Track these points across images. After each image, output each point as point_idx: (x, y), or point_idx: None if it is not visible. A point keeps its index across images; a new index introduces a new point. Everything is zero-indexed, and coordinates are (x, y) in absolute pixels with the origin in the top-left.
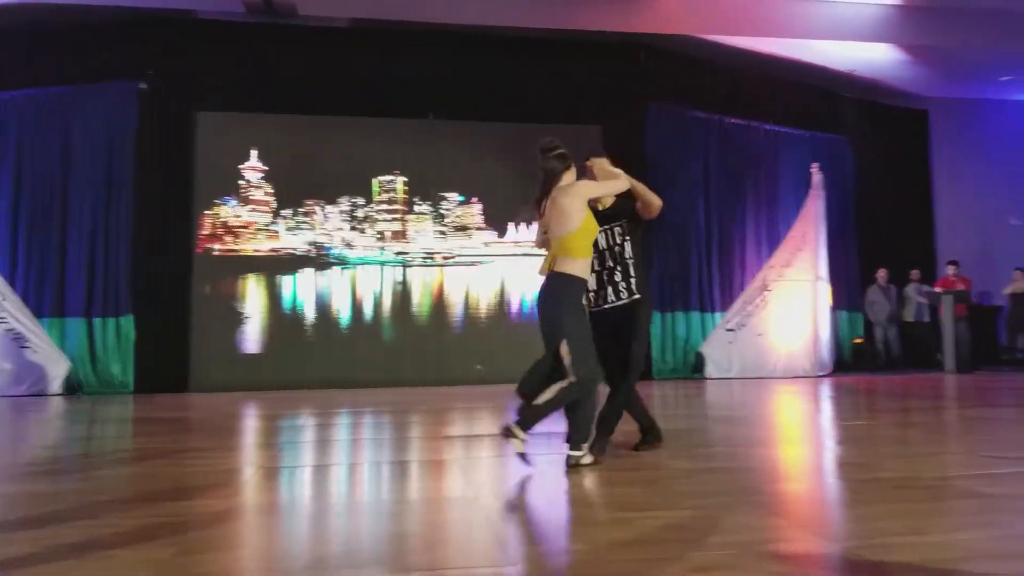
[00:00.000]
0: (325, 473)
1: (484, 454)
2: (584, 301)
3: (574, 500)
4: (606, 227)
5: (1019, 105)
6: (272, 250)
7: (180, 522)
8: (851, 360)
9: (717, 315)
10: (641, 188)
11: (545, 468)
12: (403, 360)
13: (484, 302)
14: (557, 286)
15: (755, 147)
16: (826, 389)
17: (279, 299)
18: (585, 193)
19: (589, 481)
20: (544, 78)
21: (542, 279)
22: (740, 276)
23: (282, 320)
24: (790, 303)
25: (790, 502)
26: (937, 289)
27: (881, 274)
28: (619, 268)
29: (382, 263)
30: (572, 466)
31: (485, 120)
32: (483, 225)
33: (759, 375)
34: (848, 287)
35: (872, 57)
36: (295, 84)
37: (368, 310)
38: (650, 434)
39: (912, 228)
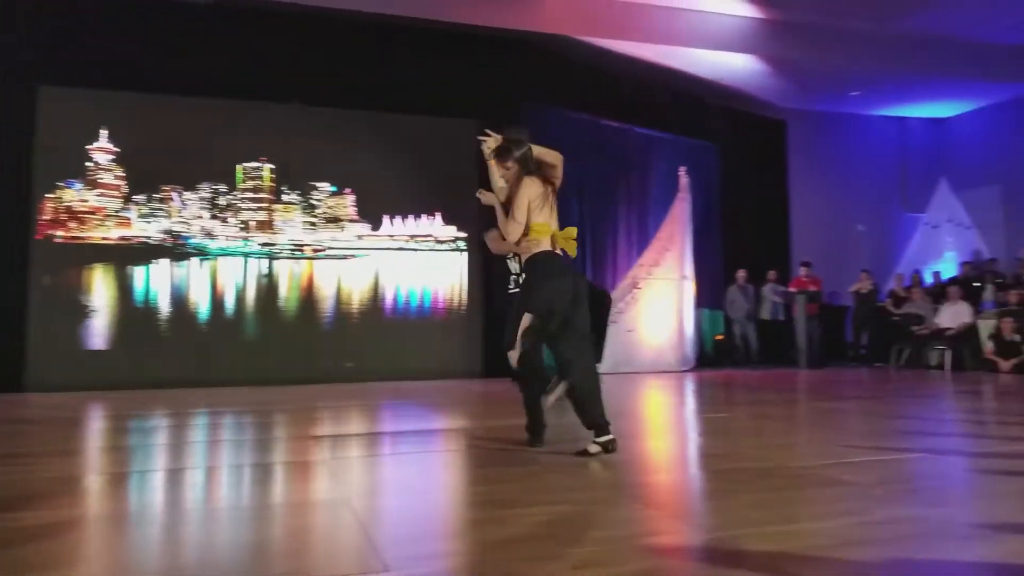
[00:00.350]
0: (179, 478)
1: (354, 454)
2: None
3: (449, 499)
4: None
5: (867, 119)
6: (122, 238)
7: (2, 539)
8: (713, 355)
9: None
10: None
11: (418, 468)
12: (268, 357)
13: (356, 297)
14: None
15: (627, 149)
16: (690, 383)
17: (130, 291)
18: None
19: (464, 478)
20: (421, 69)
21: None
22: (612, 274)
23: (133, 314)
24: (658, 301)
25: (662, 494)
26: (791, 289)
27: (741, 274)
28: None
29: (246, 254)
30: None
31: (360, 109)
32: (356, 217)
33: (628, 370)
34: (711, 286)
35: (738, 67)
36: (153, 60)
37: (230, 304)
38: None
39: (770, 231)
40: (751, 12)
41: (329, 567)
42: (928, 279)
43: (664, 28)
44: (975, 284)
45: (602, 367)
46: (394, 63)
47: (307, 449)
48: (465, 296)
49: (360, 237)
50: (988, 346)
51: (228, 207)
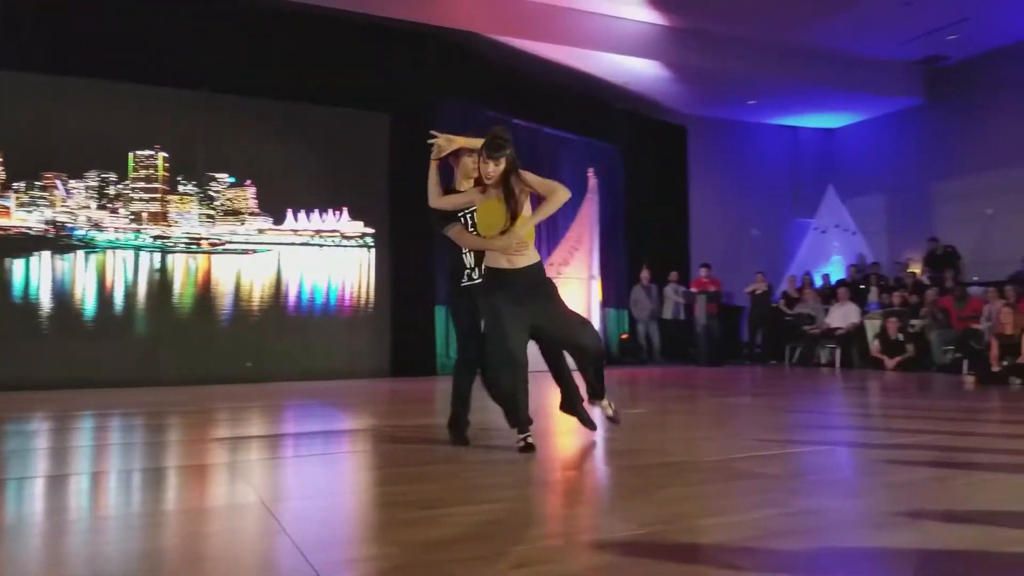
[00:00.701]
0: (62, 484)
1: (258, 457)
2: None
3: (372, 500)
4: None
5: (763, 127)
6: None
7: None
8: (618, 354)
9: None
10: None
11: (327, 469)
12: (161, 356)
13: (257, 294)
14: None
15: (537, 150)
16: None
17: (8, 285)
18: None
19: (380, 478)
20: (331, 60)
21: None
22: None
23: (12, 310)
24: (567, 300)
25: (588, 490)
26: (692, 289)
27: (644, 274)
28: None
29: (137, 247)
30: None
31: (264, 97)
32: (257, 210)
33: (541, 368)
34: (616, 286)
35: (642, 72)
36: (36, 36)
37: (119, 300)
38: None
39: (671, 233)
40: (655, 18)
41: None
42: (818, 281)
43: (571, 30)
44: (861, 286)
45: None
46: (303, 52)
47: (205, 452)
48: (372, 293)
49: (261, 231)
50: (874, 345)
51: (118, 197)
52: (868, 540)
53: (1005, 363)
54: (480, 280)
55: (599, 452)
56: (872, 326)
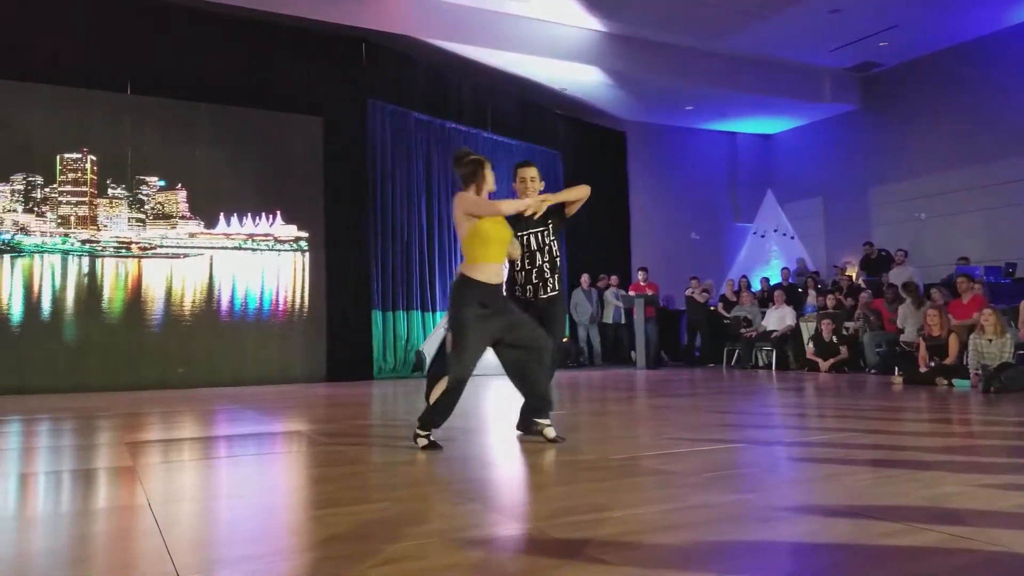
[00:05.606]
0: None
1: (160, 460)
2: (519, 292)
3: (265, 502)
4: (535, 230)
5: (701, 133)
6: None
7: None
8: (559, 358)
9: (437, 314)
10: (563, 196)
11: (240, 471)
12: (89, 362)
13: (188, 298)
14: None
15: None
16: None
17: None
18: (462, 207)
19: (288, 480)
20: (264, 62)
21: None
22: None
23: None
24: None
25: (487, 488)
26: (631, 293)
27: (584, 278)
28: (547, 264)
29: (65, 252)
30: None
31: (195, 100)
32: (188, 214)
33: (476, 372)
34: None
35: (581, 78)
36: None
37: (47, 305)
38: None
39: (611, 237)
40: (593, 24)
41: (113, 574)
42: (756, 284)
43: (507, 35)
44: (798, 289)
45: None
46: (235, 55)
47: (111, 455)
48: (307, 297)
49: (193, 235)
50: (809, 347)
51: (45, 200)
52: (749, 534)
53: (932, 364)
54: (530, 296)
55: (513, 453)
56: (807, 328)
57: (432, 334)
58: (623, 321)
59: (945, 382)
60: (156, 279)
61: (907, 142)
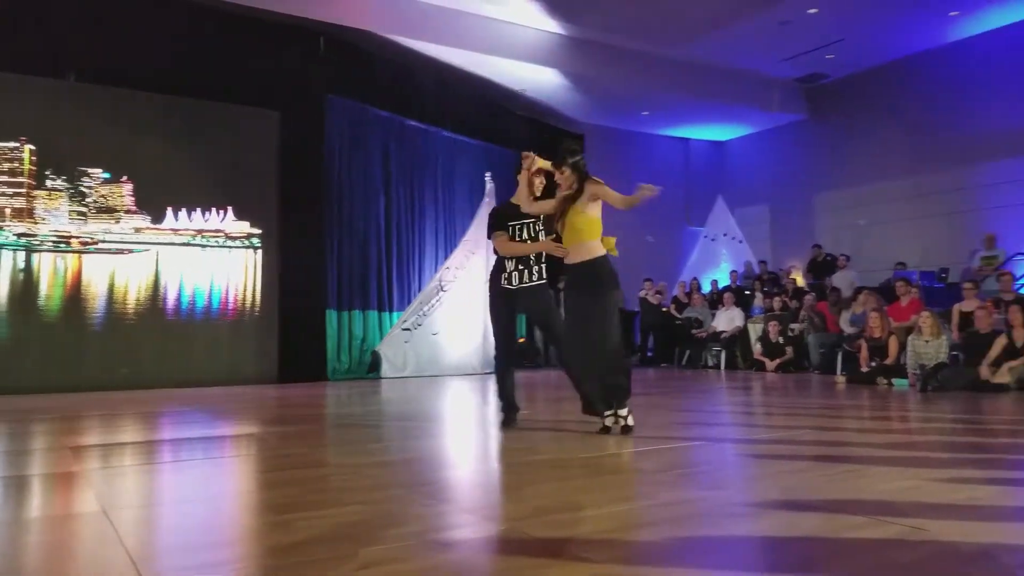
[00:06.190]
0: None
1: (124, 463)
2: (506, 281)
3: (226, 507)
4: (526, 221)
5: (656, 138)
6: None
7: None
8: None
9: (395, 314)
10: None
11: (195, 475)
12: (24, 362)
13: (133, 296)
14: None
15: (434, 152)
16: (492, 384)
17: None
18: (602, 193)
19: (246, 484)
20: (220, 53)
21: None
22: (418, 276)
23: None
24: (463, 304)
25: (457, 489)
26: None
27: None
28: (534, 255)
29: None
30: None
31: (144, 90)
32: (134, 208)
33: (433, 373)
34: None
35: (541, 80)
36: None
37: None
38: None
39: None
40: (553, 27)
41: None
42: (707, 287)
43: (468, 34)
44: (746, 292)
45: (406, 370)
46: (188, 44)
47: (55, 460)
48: (259, 296)
49: (138, 230)
50: (757, 348)
51: None
52: (722, 529)
53: (873, 364)
54: (525, 284)
55: (479, 453)
56: (755, 330)
57: (389, 334)
58: None
59: (885, 381)
60: (98, 276)
61: (850, 152)
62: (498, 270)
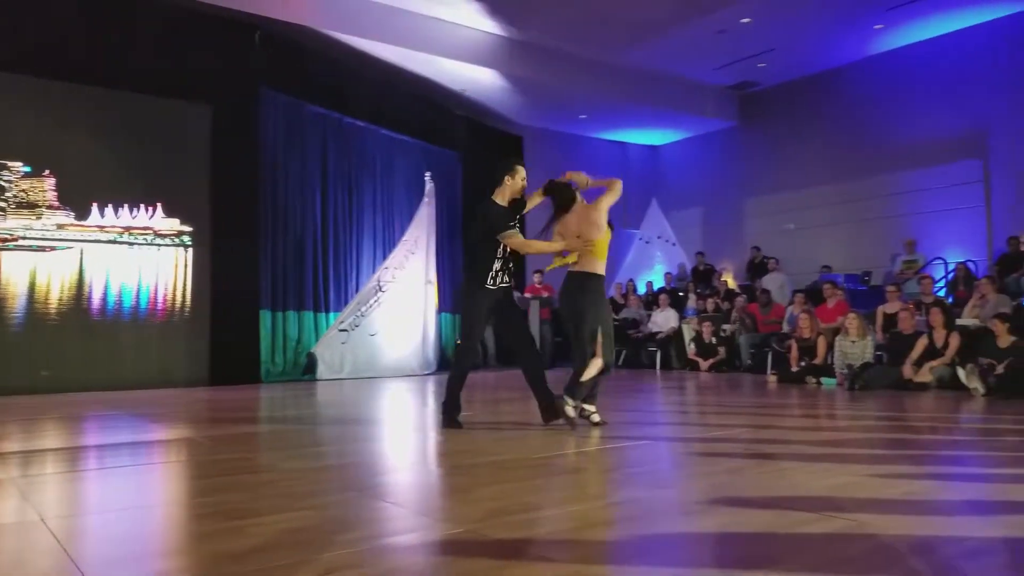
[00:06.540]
0: None
1: (49, 471)
2: (491, 281)
3: (173, 513)
4: (518, 221)
5: (594, 141)
6: None
7: None
8: (453, 359)
9: (332, 315)
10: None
11: (130, 482)
12: None
13: (55, 295)
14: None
15: (372, 150)
16: (431, 386)
17: None
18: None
19: (187, 490)
20: (149, 44)
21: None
22: (355, 276)
23: None
24: (402, 305)
25: (407, 492)
26: (527, 295)
27: None
28: (512, 259)
29: None
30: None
31: (68, 81)
32: (57, 203)
33: (370, 375)
34: (452, 291)
35: (480, 81)
36: None
37: None
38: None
39: None
40: (492, 28)
41: None
42: (642, 288)
43: (407, 32)
44: (680, 293)
45: (343, 371)
46: (115, 35)
47: None
48: (189, 296)
49: (61, 227)
50: (691, 348)
51: None
52: (678, 526)
53: (803, 364)
54: (502, 285)
55: (423, 455)
56: (689, 330)
57: (326, 335)
58: None
59: (814, 380)
60: (18, 273)
61: (779, 158)
62: (482, 270)
